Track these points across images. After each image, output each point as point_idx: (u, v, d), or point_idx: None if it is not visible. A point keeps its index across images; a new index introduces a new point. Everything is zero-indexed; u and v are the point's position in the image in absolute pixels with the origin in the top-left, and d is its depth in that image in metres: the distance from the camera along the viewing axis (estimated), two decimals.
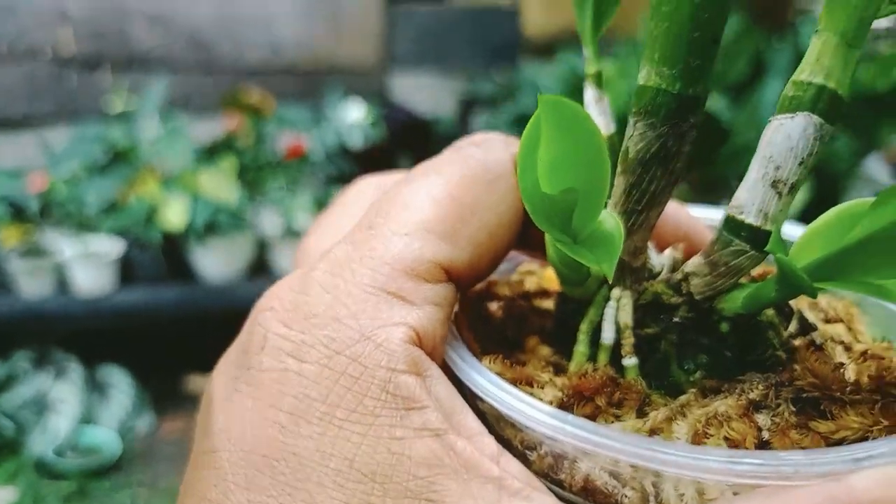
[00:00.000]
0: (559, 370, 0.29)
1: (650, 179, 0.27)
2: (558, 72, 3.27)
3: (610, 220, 0.26)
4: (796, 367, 0.27)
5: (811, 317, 0.31)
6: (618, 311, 0.29)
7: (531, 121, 0.24)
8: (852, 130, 2.74)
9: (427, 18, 3.55)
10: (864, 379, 0.27)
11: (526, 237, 0.30)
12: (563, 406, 0.26)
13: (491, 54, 3.58)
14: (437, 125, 2.71)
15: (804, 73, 0.25)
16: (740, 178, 0.27)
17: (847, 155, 2.71)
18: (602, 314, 0.29)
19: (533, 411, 0.25)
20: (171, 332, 2.29)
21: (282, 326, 0.26)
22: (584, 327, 0.29)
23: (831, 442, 0.25)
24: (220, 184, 2.19)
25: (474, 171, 0.28)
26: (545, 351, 0.30)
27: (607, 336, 0.28)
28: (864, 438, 0.25)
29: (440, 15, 3.60)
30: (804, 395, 0.26)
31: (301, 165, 2.41)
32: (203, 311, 2.21)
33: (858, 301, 0.34)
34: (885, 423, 0.25)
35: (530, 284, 0.35)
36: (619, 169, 0.28)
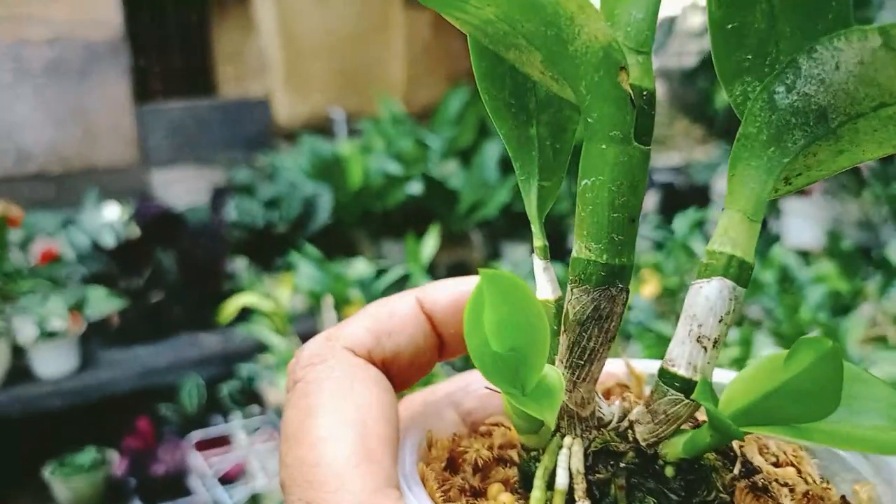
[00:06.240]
0: None
1: (588, 337, 0.30)
2: (302, 154, 3.35)
3: (552, 373, 0.29)
4: None
5: (759, 460, 0.33)
6: (570, 457, 0.31)
7: (475, 289, 0.27)
8: None
9: (178, 114, 3.50)
10: None
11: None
12: None
13: (245, 143, 3.60)
14: (190, 214, 2.76)
15: (715, 243, 0.29)
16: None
17: None
18: (556, 461, 0.31)
19: None
20: None
21: None
22: (540, 473, 0.31)
23: None
24: None
25: (374, 393, 0.28)
26: (507, 498, 0.32)
27: (561, 482, 0.30)
28: None
29: (191, 110, 3.57)
30: None
31: (55, 269, 2.43)
32: None
33: (805, 445, 0.35)
34: None
35: (498, 437, 0.36)
36: (562, 329, 0.30)
